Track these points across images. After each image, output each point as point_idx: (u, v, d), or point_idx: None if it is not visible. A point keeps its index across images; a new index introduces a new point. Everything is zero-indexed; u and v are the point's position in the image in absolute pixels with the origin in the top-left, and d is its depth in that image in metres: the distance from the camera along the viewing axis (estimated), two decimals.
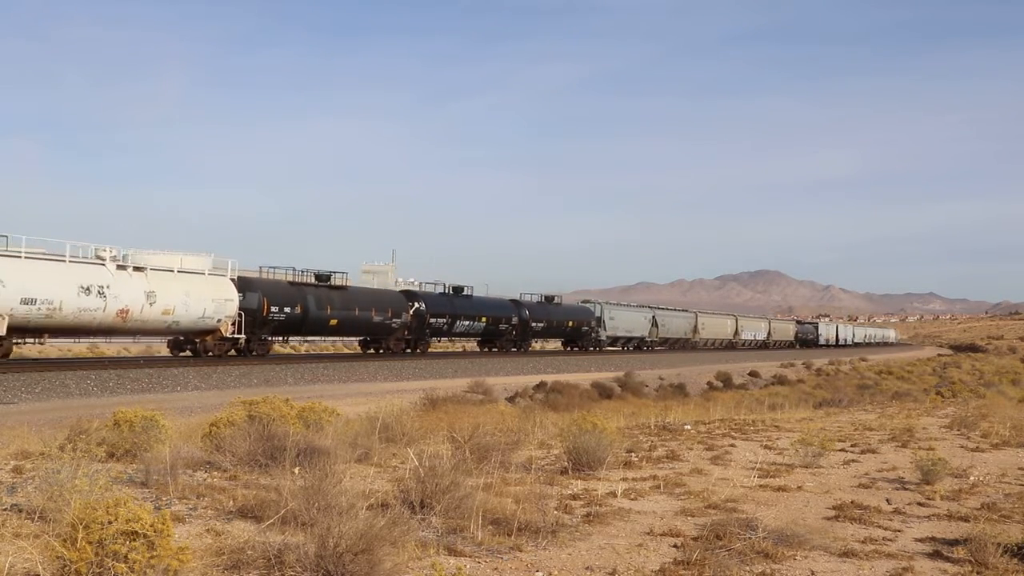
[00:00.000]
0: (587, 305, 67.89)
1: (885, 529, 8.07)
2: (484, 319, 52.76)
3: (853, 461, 12.37)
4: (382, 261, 63.68)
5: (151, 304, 30.39)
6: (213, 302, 33.08)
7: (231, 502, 7.79)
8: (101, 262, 29.26)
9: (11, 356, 28.24)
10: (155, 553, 5.01)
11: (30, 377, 25.07)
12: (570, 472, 10.38)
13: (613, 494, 9.12)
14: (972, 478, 11.02)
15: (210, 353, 34.35)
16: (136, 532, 5.02)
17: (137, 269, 30.55)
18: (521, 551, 6.75)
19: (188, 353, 35.06)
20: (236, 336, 34.98)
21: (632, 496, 9.13)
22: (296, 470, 8.50)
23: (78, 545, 4.91)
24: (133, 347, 48.45)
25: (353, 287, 44.47)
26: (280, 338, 42.52)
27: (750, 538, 7.15)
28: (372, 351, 46.48)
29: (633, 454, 12.06)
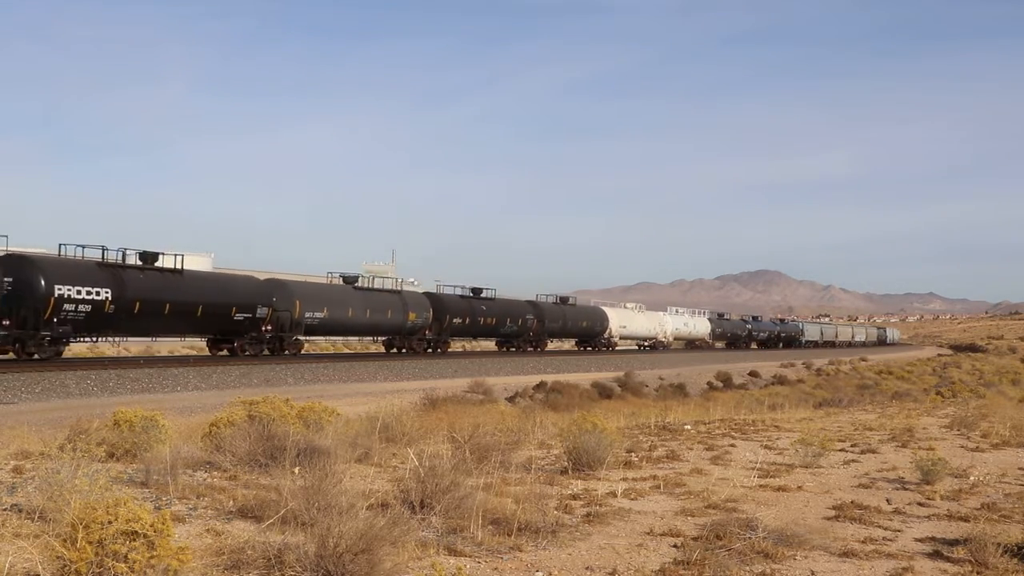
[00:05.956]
0: (795, 322, 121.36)
1: (885, 529, 8.06)
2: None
3: (853, 461, 12.37)
4: (382, 261, 63.88)
5: (661, 327, 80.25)
6: (659, 325, 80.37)
7: (231, 502, 7.79)
8: (631, 308, 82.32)
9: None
10: (155, 553, 5.01)
11: (30, 377, 25.07)
12: (570, 472, 10.38)
13: (613, 494, 9.11)
14: (972, 478, 11.01)
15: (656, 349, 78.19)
16: (136, 532, 5.01)
17: (654, 310, 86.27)
18: (521, 551, 6.74)
19: (642, 348, 77.40)
20: (668, 341, 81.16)
21: (632, 496, 9.13)
22: (296, 470, 8.50)
23: (78, 545, 4.91)
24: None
25: (728, 319, 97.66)
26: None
27: (750, 538, 7.15)
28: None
29: (633, 454, 12.06)
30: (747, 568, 6.50)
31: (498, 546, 6.79)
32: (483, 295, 54.28)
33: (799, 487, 10.10)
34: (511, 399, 29.89)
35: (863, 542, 7.47)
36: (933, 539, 7.69)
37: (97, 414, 16.01)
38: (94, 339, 35.45)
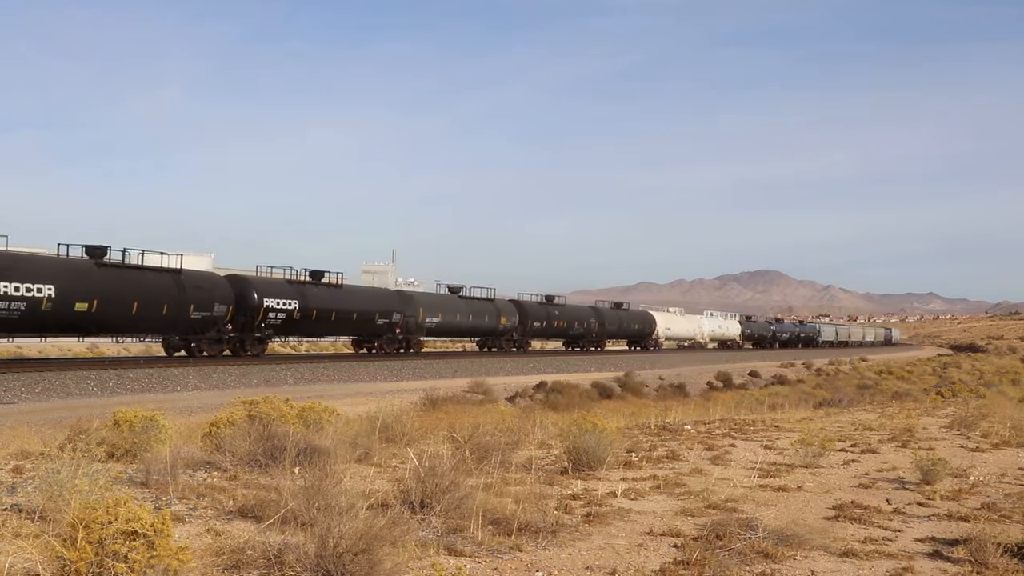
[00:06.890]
0: (812, 324, 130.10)
1: (885, 529, 8.06)
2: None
3: (853, 461, 12.37)
4: (382, 261, 64.43)
5: (699, 328, 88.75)
6: (697, 327, 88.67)
7: (231, 502, 7.78)
8: (674, 312, 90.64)
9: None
10: (155, 553, 5.00)
11: (30, 377, 25.09)
12: (570, 472, 10.38)
13: (613, 494, 9.11)
14: (972, 478, 11.01)
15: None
16: (136, 532, 5.01)
17: (692, 314, 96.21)
18: (521, 551, 6.74)
19: (681, 347, 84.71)
20: (705, 341, 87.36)
21: (632, 496, 9.12)
22: (296, 470, 8.51)
23: (78, 545, 4.91)
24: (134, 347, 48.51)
25: (755, 322, 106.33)
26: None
27: (750, 538, 7.15)
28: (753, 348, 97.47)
29: (633, 454, 12.06)
30: (747, 568, 6.50)
31: (498, 546, 6.79)
32: (555, 302, 62.75)
33: (799, 487, 10.10)
34: (511, 399, 29.91)
35: (863, 542, 7.47)
36: (933, 539, 7.69)
37: (97, 414, 16.01)
38: (284, 340, 45.32)
